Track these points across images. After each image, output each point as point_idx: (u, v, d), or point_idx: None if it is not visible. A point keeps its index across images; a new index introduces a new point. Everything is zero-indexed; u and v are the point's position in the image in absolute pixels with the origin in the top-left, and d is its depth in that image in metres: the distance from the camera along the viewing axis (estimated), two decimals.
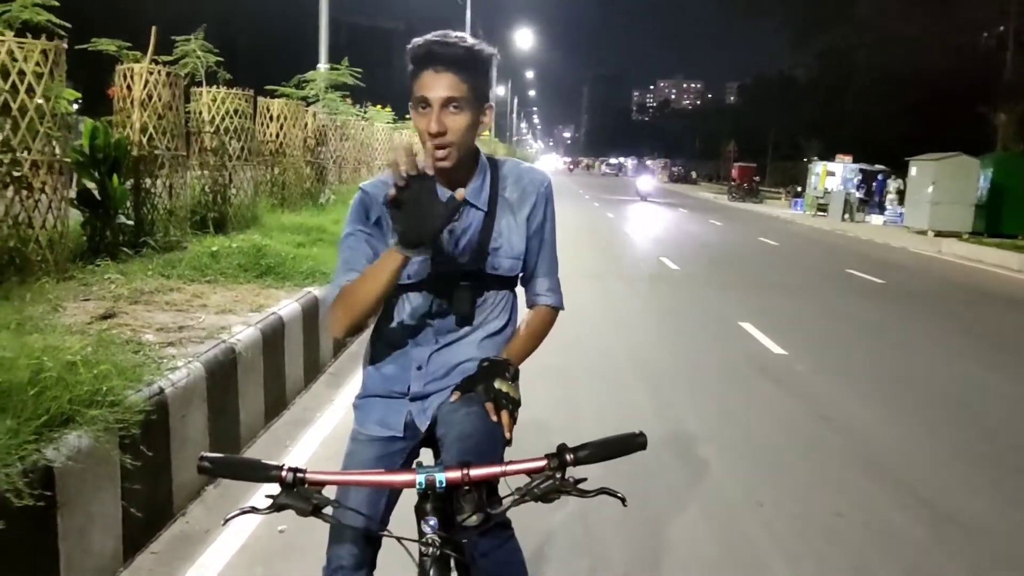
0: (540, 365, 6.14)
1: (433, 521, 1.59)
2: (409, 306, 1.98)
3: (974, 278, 15.73)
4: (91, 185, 6.58)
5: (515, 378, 1.93)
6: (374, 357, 2.05)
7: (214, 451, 4.05)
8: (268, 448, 4.59)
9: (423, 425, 1.99)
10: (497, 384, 1.86)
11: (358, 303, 1.81)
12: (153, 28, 7.13)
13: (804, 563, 3.57)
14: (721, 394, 6.22)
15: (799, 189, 38.98)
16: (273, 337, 5.06)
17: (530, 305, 2.11)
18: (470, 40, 1.83)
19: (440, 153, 1.80)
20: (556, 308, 2.11)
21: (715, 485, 4.41)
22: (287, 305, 5.57)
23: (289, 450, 4.57)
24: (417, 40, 1.82)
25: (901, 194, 28.43)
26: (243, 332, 4.69)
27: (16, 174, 5.22)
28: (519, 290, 2.10)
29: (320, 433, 4.85)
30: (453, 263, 1.93)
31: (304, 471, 1.53)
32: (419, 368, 1.98)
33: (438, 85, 1.78)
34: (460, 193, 1.64)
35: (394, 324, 2.01)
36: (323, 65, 14.80)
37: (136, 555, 3.27)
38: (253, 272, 6.45)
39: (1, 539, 2.39)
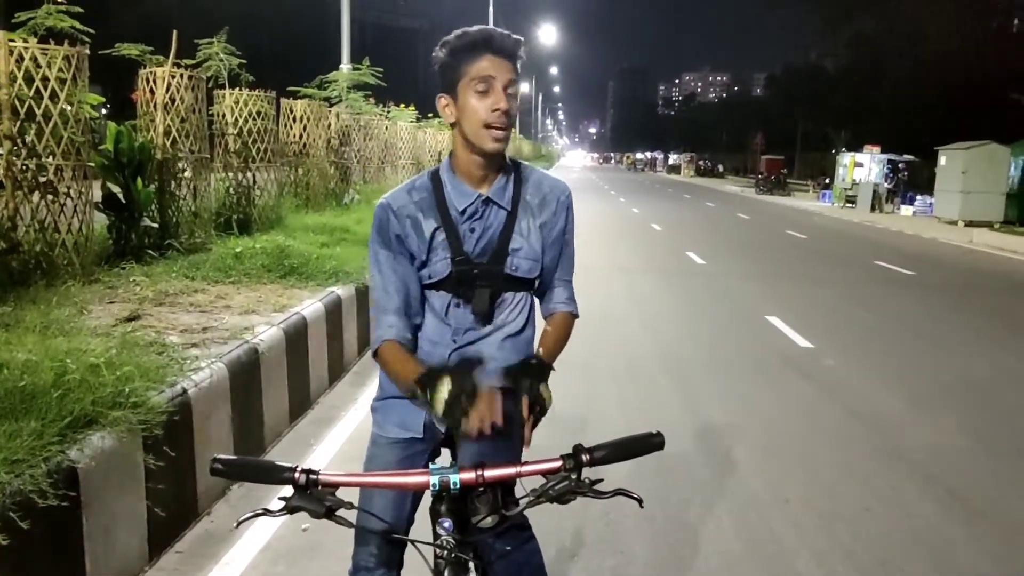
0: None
1: (447, 523, 1.58)
2: (428, 305, 1.97)
3: (1007, 268, 15.42)
4: (116, 189, 6.67)
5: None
6: None
7: (239, 450, 4.11)
8: (293, 447, 4.62)
9: (443, 425, 1.96)
10: (541, 388, 1.84)
11: (386, 371, 1.94)
12: (175, 32, 7.20)
13: (831, 560, 3.51)
14: (747, 389, 6.14)
15: (827, 181, 38.48)
16: (296, 337, 5.09)
17: (549, 313, 2.09)
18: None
19: (501, 134, 1.83)
20: (575, 316, 2.11)
21: (741, 481, 4.35)
22: (310, 305, 5.59)
23: (314, 449, 4.60)
24: (469, 29, 1.85)
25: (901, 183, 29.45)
26: (266, 332, 4.72)
27: (42, 179, 5.31)
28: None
29: (345, 432, 4.86)
30: (473, 263, 1.92)
31: (317, 472, 1.51)
32: None
33: (502, 68, 1.82)
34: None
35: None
36: (345, 65, 14.88)
37: (161, 554, 3.31)
38: (277, 272, 6.50)
39: (27, 539, 2.42)
